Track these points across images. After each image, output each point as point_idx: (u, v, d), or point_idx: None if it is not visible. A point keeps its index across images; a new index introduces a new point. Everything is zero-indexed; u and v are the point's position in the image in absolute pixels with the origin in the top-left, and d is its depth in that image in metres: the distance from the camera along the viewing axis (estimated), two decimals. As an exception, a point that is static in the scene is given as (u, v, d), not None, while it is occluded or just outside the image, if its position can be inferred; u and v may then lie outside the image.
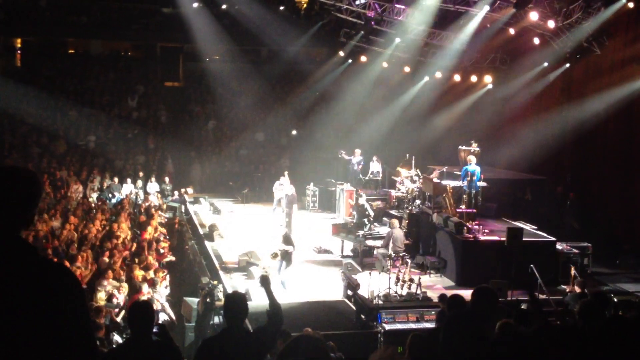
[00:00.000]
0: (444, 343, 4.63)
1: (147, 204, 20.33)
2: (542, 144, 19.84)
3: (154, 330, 4.85)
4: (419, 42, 21.38)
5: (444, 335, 4.66)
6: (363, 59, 25.04)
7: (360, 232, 15.93)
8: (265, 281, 5.48)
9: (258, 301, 10.05)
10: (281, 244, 13.95)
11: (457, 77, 23.26)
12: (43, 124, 25.55)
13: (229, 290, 12.01)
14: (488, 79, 21.96)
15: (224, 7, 31.95)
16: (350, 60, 26.89)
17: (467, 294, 13.25)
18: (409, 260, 15.29)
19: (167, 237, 17.18)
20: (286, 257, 13.78)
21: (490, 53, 21.74)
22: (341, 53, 25.25)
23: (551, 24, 16.92)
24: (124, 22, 34.44)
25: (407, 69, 23.68)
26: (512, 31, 18.86)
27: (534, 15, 16.63)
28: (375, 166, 21.25)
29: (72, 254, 13.38)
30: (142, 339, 4.62)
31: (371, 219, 16.95)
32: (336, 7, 20.47)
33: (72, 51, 35.27)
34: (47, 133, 24.67)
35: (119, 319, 10.64)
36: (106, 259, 13.45)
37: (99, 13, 34.10)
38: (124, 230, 16.03)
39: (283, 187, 21.60)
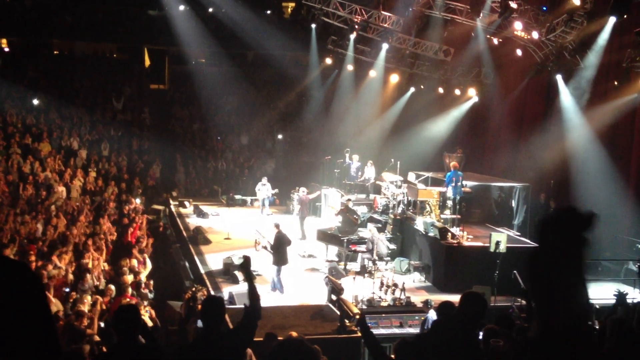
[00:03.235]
0: (430, 348, 4.64)
1: (130, 207, 20.20)
2: (525, 151, 20.03)
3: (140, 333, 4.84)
4: (404, 51, 21.46)
5: (431, 341, 4.68)
6: (350, 67, 25.14)
7: (345, 237, 15.97)
8: (244, 264, 5.30)
9: (241, 305, 10.02)
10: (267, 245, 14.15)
11: (440, 90, 23.39)
12: (27, 124, 25.32)
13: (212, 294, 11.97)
14: (472, 92, 22.11)
15: (210, 10, 31.99)
16: (337, 70, 26.97)
17: (452, 299, 13.44)
18: (393, 265, 15.41)
19: (149, 238, 17.06)
20: (275, 259, 13.83)
21: (475, 66, 21.91)
22: (328, 60, 25.29)
23: (535, 35, 17.13)
24: (109, 23, 34.28)
25: (394, 79, 23.78)
26: (495, 41, 19.04)
27: (518, 25, 16.82)
28: (369, 171, 21.21)
29: (55, 256, 13.25)
30: (128, 342, 4.60)
31: (357, 224, 16.99)
32: (323, 12, 20.53)
33: (57, 52, 35.02)
34: (31, 134, 24.45)
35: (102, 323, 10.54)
36: (88, 261, 13.34)
37: (84, 14, 33.92)
38: (107, 232, 15.93)
39: (266, 186, 21.63)
